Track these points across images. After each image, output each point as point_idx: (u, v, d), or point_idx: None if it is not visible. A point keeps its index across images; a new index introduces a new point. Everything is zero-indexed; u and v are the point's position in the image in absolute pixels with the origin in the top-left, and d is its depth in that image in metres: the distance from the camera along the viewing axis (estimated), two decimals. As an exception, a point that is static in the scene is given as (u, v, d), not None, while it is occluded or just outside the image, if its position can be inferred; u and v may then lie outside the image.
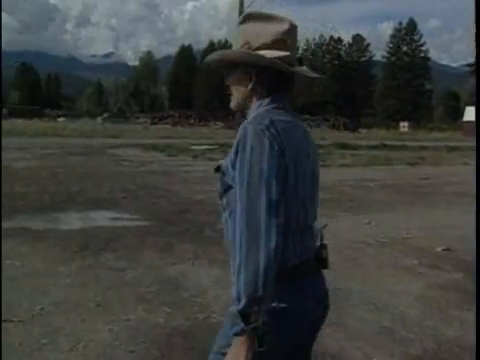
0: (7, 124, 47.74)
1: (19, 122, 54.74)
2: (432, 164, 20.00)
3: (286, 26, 1.69)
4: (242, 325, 1.41)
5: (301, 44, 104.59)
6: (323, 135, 45.05)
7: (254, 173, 1.48)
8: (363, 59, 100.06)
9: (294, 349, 1.68)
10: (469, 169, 14.47)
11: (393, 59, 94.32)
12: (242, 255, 1.43)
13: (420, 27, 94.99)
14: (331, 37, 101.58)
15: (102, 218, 8.00)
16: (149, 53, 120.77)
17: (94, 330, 3.77)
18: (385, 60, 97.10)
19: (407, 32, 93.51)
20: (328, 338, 3.68)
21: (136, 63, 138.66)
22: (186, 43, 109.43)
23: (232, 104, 1.80)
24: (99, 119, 79.87)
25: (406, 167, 18.70)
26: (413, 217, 8.85)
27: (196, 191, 10.73)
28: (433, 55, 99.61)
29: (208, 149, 22.98)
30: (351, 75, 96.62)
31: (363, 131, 67.00)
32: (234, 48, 1.75)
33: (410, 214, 9.13)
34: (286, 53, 1.66)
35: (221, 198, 1.65)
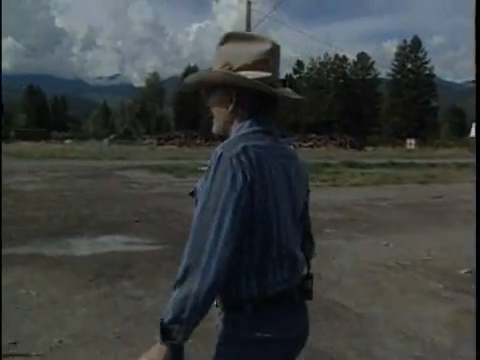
0: (14, 147, 48.09)
1: (26, 144, 54.99)
2: (442, 182, 19.84)
3: (268, 46, 1.64)
4: (161, 336, 1.44)
5: (306, 63, 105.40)
6: (330, 154, 45.12)
7: (211, 200, 1.46)
8: (368, 77, 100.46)
9: None
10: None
11: (398, 77, 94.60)
12: (181, 274, 1.45)
13: (424, 44, 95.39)
14: (336, 56, 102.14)
15: (115, 243, 7.88)
16: (155, 74, 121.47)
17: (115, 364, 3.63)
18: (390, 78, 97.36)
19: (412, 50, 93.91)
20: (359, 370, 3.53)
21: (142, 84, 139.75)
22: (191, 64, 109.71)
23: (214, 127, 1.75)
24: (106, 141, 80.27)
25: (417, 186, 18.53)
26: (430, 238, 8.69)
27: (208, 213, 10.56)
28: (437, 72, 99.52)
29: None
30: (356, 93, 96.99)
31: (369, 149, 66.91)
32: (214, 69, 1.69)
33: (427, 234, 8.97)
34: (268, 74, 1.61)
35: None
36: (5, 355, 3.70)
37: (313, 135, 75.41)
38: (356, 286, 5.79)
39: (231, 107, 1.65)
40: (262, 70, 1.61)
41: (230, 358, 1.59)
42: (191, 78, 1.74)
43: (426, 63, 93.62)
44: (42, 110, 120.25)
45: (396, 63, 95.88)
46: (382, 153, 51.32)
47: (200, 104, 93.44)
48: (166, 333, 1.44)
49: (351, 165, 27.93)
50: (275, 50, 1.66)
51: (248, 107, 1.64)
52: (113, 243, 7.86)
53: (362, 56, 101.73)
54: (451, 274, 6.29)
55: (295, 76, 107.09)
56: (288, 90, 1.70)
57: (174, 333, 1.43)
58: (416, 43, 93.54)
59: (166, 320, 1.44)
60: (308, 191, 1.83)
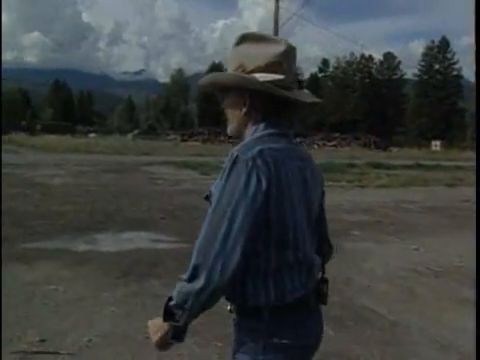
0: (40, 140, 48.68)
1: (52, 138, 55.58)
2: (470, 185, 19.45)
3: (282, 48, 1.61)
4: (163, 316, 1.53)
5: (331, 62, 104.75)
6: (354, 154, 44.74)
7: (224, 201, 1.47)
8: (394, 77, 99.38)
9: None
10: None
11: (425, 77, 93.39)
12: (190, 273, 1.47)
13: (452, 45, 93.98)
14: (362, 55, 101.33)
15: (141, 240, 7.84)
16: (180, 71, 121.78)
17: (145, 366, 3.57)
18: (417, 78, 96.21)
19: (439, 50, 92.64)
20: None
21: (166, 80, 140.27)
22: (216, 61, 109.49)
23: (228, 129, 1.74)
24: (130, 135, 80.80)
25: (444, 188, 18.23)
26: (461, 242, 8.47)
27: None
28: (466, 73, 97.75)
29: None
30: (382, 93, 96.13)
31: (394, 150, 66.27)
32: (229, 70, 1.68)
33: (457, 239, 8.76)
34: (280, 76, 1.59)
35: None
36: (34, 352, 3.67)
37: (337, 134, 74.97)
38: (388, 292, 5.66)
39: (244, 109, 1.63)
40: (275, 72, 1.59)
41: None
42: (205, 79, 1.72)
43: (454, 64, 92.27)
44: (68, 104, 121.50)
45: (423, 63, 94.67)
46: (407, 154, 50.80)
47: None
48: (169, 314, 1.52)
49: (377, 166, 27.64)
50: (290, 52, 1.63)
51: (261, 110, 1.62)
52: (139, 240, 7.83)
53: (388, 56, 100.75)
54: (485, 282, 6.11)
55: (320, 75, 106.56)
56: (304, 92, 1.68)
57: (177, 316, 1.50)
58: (444, 43, 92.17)
59: (171, 304, 1.51)
60: (323, 193, 1.81)
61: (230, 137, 2.00)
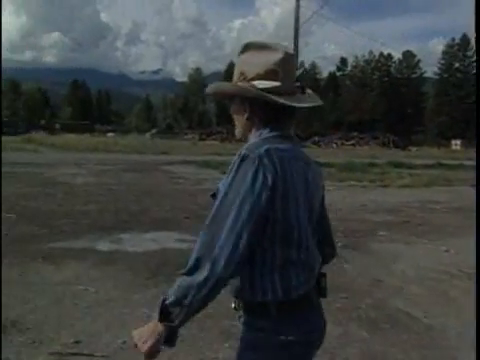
0: (60, 139, 49.01)
1: (71, 137, 55.95)
2: (495, 185, 19.17)
3: (279, 55, 1.68)
4: (158, 316, 1.52)
5: (350, 61, 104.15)
6: (373, 153, 44.38)
7: (230, 196, 1.51)
8: (413, 76, 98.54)
9: None
10: None
11: (445, 76, 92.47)
12: (192, 264, 1.50)
13: (473, 42, 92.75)
14: (381, 53, 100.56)
15: (167, 239, 7.80)
16: (198, 70, 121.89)
17: (182, 369, 3.51)
18: (437, 77, 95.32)
19: (460, 48, 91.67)
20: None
21: (184, 79, 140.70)
22: (234, 60, 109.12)
23: (236, 132, 1.83)
24: (148, 135, 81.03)
25: (469, 189, 17.94)
26: (491, 244, 8.32)
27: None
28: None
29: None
30: (401, 92, 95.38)
31: (413, 149, 65.65)
32: (234, 78, 1.76)
33: (487, 241, 8.59)
34: (277, 83, 1.65)
35: None
36: (69, 354, 3.63)
37: (355, 134, 74.48)
38: (420, 294, 5.54)
39: (246, 115, 1.72)
40: (273, 79, 1.66)
41: None
42: (210, 88, 1.82)
43: (475, 62, 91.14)
44: (86, 104, 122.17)
45: (443, 62, 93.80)
46: (427, 153, 50.28)
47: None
48: (165, 314, 1.51)
49: (397, 165, 27.39)
50: (287, 59, 1.70)
51: (261, 115, 1.70)
52: (165, 240, 7.79)
53: (408, 54, 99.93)
54: (520, 285, 5.97)
55: (338, 73, 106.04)
56: (306, 96, 1.75)
57: (173, 315, 1.50)
58: (465, 41, 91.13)
59: (167, 302, 1.51)
60: (323, 197, 1.87)
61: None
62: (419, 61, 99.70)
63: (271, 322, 1.58)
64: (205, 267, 1.47)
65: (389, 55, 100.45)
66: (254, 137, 1.71)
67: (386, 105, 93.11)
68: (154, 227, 8.64)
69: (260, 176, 1.51)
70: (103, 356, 3.63)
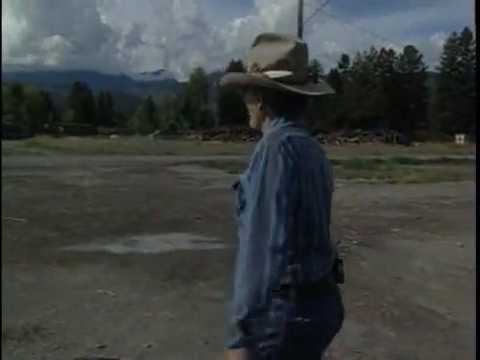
0: (64, 142, 49.00)
1: (74, 140, 55.97)
2: (503, 179, 19.09)
3: (291, 46, 1.72)
4: (239, 336, 1.46)
5: (351, 58, 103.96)
6: (377, 149, 44.26)
7: (266, 187, 1.53)
8: (416, 71, 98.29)
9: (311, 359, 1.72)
10: None
11: (447, 70, 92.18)
12: (247, 266, 1.49)
13: (475, 37, 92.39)
14: (382, 49, 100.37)
15: (180, 241, 7.75)
16: (199, 70, 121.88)
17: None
18: (439, 72, 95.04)
19: (462, 42, 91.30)
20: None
21: (186, 80, 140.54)
22: (235, 59, 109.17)
23: (250, 122, 1.87)
24: (151, 136, 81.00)
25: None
26: (506, 239, 8.26)
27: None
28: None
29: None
30: (403, 88, 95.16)
31: (417, 144, 65.51)
32: (248, 70, 1.81)
33: (501, 235, 8.53)
34: (288, 73, 1.69)
35: (238, 215, 1.65)
36: (95, 359, 3.59)
37: (358, 130, 74.36)
38: (442, 291, 5.49)
39: (259, 105, 1.77)
40: (284, 69, 1.70)
41: (271, 340, 1.60)
42: (223, 80, 1.86)
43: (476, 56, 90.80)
44: (88, 106, 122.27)
45: (445, 56, 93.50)
46: (430, 149, 50.18)
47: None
48: (245, 329, 1.47)
49: (403, 161, 27.34)
50: (299, 49, 1.73)
51: (275, 105, 1.74)
52: (178, 241, 7.74)
53: (409, 49, 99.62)
54: None
55: (340, 70, 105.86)
56: (319, 85, 1.77)
57: (253, 327, 1.47)
58: (467, 35, 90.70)
59: (241, 317, 1.47)
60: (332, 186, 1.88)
61: (251, 135, 2.03)
62: (421, 56, 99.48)
63: (291, 302, 1.60)
64: (266, 262, 1.48)
65: (391, 51, 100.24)
66: (268, 127, 1.75)
67: (389, 101, 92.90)
68: (166, 228, 8.59)
69: (289, 161, 1.54)
70: (129, 360, 3.59)
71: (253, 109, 1.81)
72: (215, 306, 4.67)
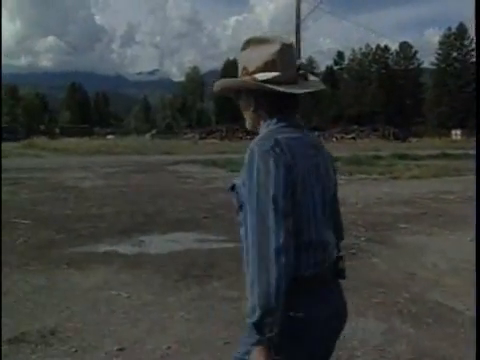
0: (60, 143, 48.85)
1: (71, 141, 55.76)
2: (504, 173, 19.09)
3: (277, 47, 1.73)
4: (255, 337, 1.50)
5: (346, 54, 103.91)
6: (375, 145, 44.22)
7: (261, 194, 1.54)
8: (411, 67, 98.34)
9: (311, 357, 1.71)
10: None
11: (443, 66, 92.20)
12: (255, 270, 1.51)
13: (471, 31, 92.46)
14: (378, 46, 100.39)
15: (189, 240, 7.71)
16: (195, 68, 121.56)
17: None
18: (434, 67, 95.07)
19: (457, 37, 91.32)
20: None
21: (181, 79, 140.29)
22: (230, 57, 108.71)
23: (246, 124, 1.89)
24: (147, 136, 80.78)
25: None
26: (514, 233, 8.24)
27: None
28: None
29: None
30: (399, 84, 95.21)
31: (414, 140, 65.55)
32: (239, 74, 1.82)
33: (509, 229, 8.51)
34: (276, 74, 1.69)
35: (238, 214, 1.68)
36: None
37: (355, 127, 74.41)
38: (457, 286, 5.45)
39: (252, 108, 1.79)
40: (272, 70, 1.70)
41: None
42: (216, 86, 1.88)
43: (473, 51, 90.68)
44: (84, 107, 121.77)
45: (440, 51, 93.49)
46: (427, 144, 50.19)
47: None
48: (260, 330, 1.49)
49: (402, 157, 27.35)
50: (285, 49, 1.74)
51: (267, 107, 1.76)
52: (186, 240, 7.70)
53: (404, 45, 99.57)
54: None
55: (336, 67, 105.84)
56: (310, 83, 1.79)
57: (268, 327, 1.49)
58: (461, 30, 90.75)
59: (255, 319, 1.49)
60: (336, 183, 1.88)
61: (248, 133, 2.03)
62: (416, 52, 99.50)
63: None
64: (271, 262, 1.49)
65: (386, 47, 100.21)
66: (263, 127, 1.76)
67: (385, 97, 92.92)
68: (173, 228, 8.54)
69: (280, 165, 1.56)
70: (151, 363, 3.54)
71: (247, 113, 1.84)
72: (231, 306, 4.63)
